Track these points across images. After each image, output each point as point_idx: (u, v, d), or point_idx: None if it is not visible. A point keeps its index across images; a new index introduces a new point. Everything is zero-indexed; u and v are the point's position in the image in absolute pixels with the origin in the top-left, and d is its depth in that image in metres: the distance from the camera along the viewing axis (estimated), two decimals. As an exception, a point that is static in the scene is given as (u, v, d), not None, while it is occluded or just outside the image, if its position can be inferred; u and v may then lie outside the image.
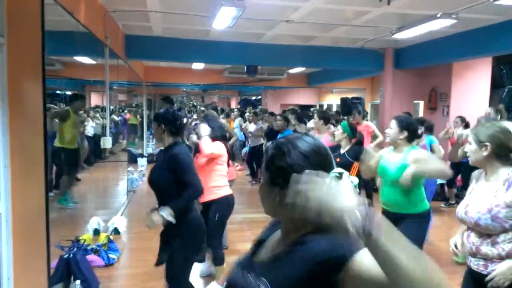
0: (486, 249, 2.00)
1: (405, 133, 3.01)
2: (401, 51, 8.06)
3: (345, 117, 8.23)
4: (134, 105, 14.14)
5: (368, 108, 12.49)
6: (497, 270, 1.96)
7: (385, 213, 3.04)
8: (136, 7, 5.48)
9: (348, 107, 11.29)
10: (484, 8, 4.91)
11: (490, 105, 7.07)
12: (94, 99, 13.42)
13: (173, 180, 2.58)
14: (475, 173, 2.27)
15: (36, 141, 2.80)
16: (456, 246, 2.28)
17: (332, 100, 15.34)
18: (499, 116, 5.32)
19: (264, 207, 1.11)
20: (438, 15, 5.17)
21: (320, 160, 1.04)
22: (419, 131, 3.14)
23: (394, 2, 4.63)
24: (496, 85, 7.98)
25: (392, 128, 3.07)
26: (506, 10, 5.03)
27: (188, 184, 2.56)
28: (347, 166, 3.96)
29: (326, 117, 5.85)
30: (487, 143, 2.04)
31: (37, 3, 2.75)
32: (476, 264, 2.07)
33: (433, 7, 5.06)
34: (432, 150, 4.91)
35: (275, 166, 1.05)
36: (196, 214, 2.76)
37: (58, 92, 12.16)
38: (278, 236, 1.14)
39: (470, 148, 2.12)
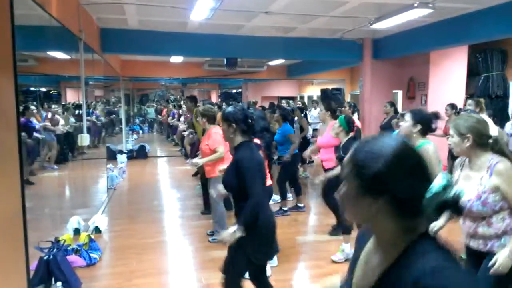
0: (483, 230, 2.20)
1: (419, 127, 3.02)
2: (379, 41, 8.11)
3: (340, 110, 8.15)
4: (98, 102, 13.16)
5: (348, 98, 12.59)
6: (498, 261, 2.12)
7: None
8: (111, -1, 5.34)
9: (329, 98, 11.39)
10: (460, -3, 4.98)
11: (471, 98, 7.25)
12: (70, 95, 13.10)
13: (241, 182, 2.45)
14: (457, 162, 2.41)
15: (10, 138, 2.69)
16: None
17: (313, 92, 15.38)
18: (479, 109, 5.43)
19: (355, 218, 1.04)
20: (415, 5, 5.20)
21: (414, 161, 0.94)
22: (433, 125, 3.13)
23: (372, -9, 4.63)
24: (472, 73, 8.13)
25: (407, 121, 3.06)
26: (481, -1, 5.11)
27: (248, 193, 2.40)
28: (341, 159, 4.00)
29: (334, 108, 5.41)
30: (468, 135, 2.20)
31: (5, -4, 2.63)
32: (476, 244, 2.26)
33: (411, -4, 5.09)
34: None
35: (368, 173, 0.92)
36: (266, 214, 2.55)
37: (32, 89, 11.82)
38: (372, 250, 1.04)
39: (453, 140, 2.27)
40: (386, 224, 0.94)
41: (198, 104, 7.18)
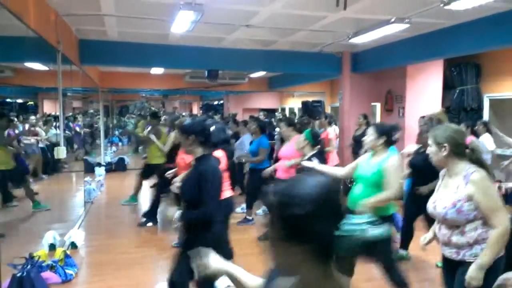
0: (456, 238, 2.23)
1: (383, 139, 3.17)
2: (358, 55, 8.27)
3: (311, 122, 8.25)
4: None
5: (328, 111, 12.75)
6: (468, 275, 2.17)
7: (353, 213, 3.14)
8: (90, 11, 5.29)
9: (310, 110, 11.51)
10: (435, 13, 5.12)
11: (448, 110, 7.48)
12: (47, 107, 12.87)
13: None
14: (442, 172, 2.47)
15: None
16: (428, 241, 2.54)
17: (294, 104, 15.52)
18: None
19: (277, 263, 0.95)
20: (392, 20, 5.34)
21: (333, 202, 0.90)
22: (394, 137, 3.27)
23: (350, 7, 4.73)
24: (447, 86, 8.34)
25: (371, 135, 3.21)
26: (455, 15, 5.27)
27: (203, 203, 2.47)
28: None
29: (294, 123, 5.59)
30: (445, 144, 2.27)
31: (-20, 6, 2.58)
32: (449, 253, 2.31)
33: (387, 12, 5.22)
34: None
35: (291, 217, 0.87)
36: (217, 231, 2.62)
37: (8, 100, 11.57)
38: None
39: (431, 150, 2.36)
40: (307, 269, 0.89)
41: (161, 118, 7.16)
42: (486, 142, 6.26)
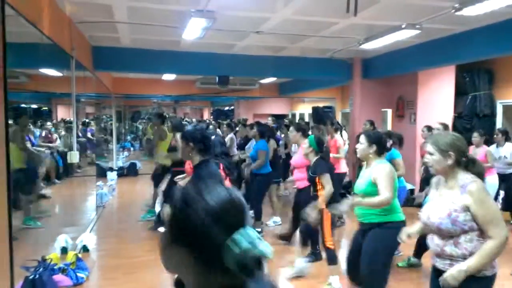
0: (450, 249, 2.14)
1: (374, 147, 3.09)
2: (368, 61, 8.25)
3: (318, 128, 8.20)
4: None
5: (339, 116, 12.72)
6: (450, 271, 2.08)
7: (360, 224, 3.16)
8: (103, 18, 5.39)
9: (320, 116, 11.49)
10: (446, 19, 5.10)
11: (459, 116, 7.37)
12: (61, 112, 13.06)
13: None
14: (434, 180, 2.38)
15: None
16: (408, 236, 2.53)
17: (304, 109, 15.50)
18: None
19: (166, 265, 0.93)
20: (403, 26, 5.33)
21: (232, 216, 0.88)
22: (388, 144, 3.17)
23: (360, 13, 4.72)
24: (460, 92, 8.26)
25: (362, 143, 3.13)
26: (466, 21, 5.24)
27: None
28: (311, 180, 3.96)
29: (303, 128, 5.42)
30: (450, 152, 2.15)
31: (-3, 14, 2.65)
32: (442, 264, 2.20)
33: (398, 18, 5.21)
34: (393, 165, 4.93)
35: (180, 224, 0.88)
36: None
37: (23, 105, 11.77)
38: None
39: (434, 158, 2.20)
40: (190, 276, 0.89)
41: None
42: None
